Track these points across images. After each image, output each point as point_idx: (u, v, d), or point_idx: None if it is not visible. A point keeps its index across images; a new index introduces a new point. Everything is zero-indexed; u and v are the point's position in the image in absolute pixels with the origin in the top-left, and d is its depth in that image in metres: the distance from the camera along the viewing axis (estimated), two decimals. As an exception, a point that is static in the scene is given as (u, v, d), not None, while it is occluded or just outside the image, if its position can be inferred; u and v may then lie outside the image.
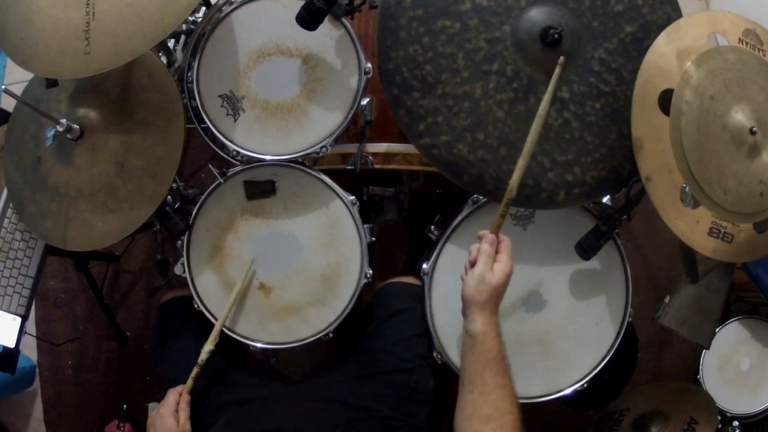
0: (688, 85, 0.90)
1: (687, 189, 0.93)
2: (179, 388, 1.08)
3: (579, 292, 1.15)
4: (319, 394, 1.17)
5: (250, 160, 1.16)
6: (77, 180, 1.09)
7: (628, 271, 1.15)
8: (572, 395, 1.16)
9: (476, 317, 0.90)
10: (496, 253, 0.94)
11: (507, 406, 0.86)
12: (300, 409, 1.10)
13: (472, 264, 0.94)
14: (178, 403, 1.06)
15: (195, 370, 1.08)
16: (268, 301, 1.19)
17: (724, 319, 1.55)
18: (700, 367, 1.57)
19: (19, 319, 1.25)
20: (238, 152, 1.15)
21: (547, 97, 0.91)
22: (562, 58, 0.92)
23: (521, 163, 0.92)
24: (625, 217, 1.03)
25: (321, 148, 1.14)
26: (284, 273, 1.18)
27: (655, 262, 1.84)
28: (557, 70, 0.92)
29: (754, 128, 0.91)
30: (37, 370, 1.88)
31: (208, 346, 1.09)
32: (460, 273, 1.13)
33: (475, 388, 0.87)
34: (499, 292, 0.92)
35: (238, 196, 1.17)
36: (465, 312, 0.92)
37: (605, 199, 1.10)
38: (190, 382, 1.08)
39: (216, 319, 1.17)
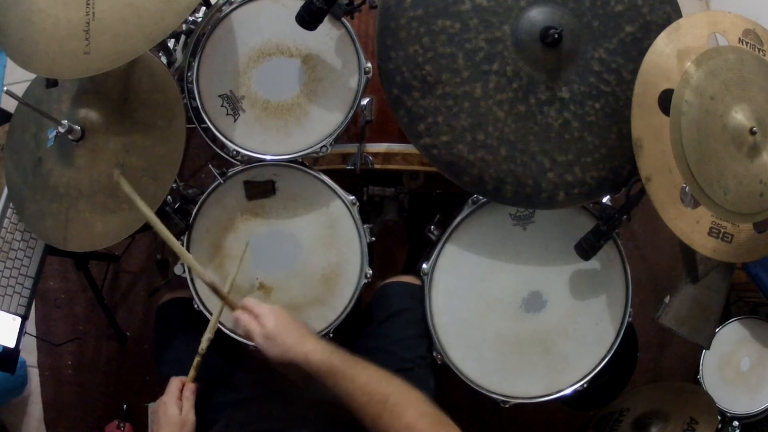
0: (688, 85, 0.90)
1: (687, 189, 0.93)
2: (182, 377, 1.07)
3: (579, 292, 1.15)
4: (319, 395, 1.17)
5: (250, 160, 1.16)
6: (77, 180, 1.09)
7: (628, 271, 1.15)
8: (572, 395, 1.16)
9: (298, 361, 0.91)
10: (252, 313, 0.98)
11: (390, 388, 0.87)
12: (300, 409, 1.10)
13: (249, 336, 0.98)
14: (181, 391, 1.05)
15: (196, 359, 1.07)
16: (268, 302, 1.18)
17: (724, 319, 1.55)
18: (700, 367, 1.57)
19: (19, 319, 1.25)
20: (238, 152, 1.15)
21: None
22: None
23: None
24: (625, 217, 1.03)
25: (321, 148, 1.14)
26: (284, 273, 1.18)
27: (655, 262, 1.84)
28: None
29: (754, 128, 0.91)
30: (37, 370, 1.88)
31: (208, 334, 1.08)
32: (460, 273, 1.14)
33: (359, 403, 0.87)
34: (287, 330, 0.94)
35: (238, 196, 1.17)
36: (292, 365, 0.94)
37: (605, 199, 1.10)
38: (192, 372, 1.07)
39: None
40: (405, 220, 1.63)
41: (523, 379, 1.15)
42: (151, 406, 1.62)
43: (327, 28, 1.09)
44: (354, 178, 1.28)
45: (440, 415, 0.83)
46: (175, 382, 1.05)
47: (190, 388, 1.05)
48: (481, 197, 1.11)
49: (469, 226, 1.13)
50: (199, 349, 1.07)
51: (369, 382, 0.88)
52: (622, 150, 1.01)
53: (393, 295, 1.22)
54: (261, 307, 0.98)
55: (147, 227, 1.03)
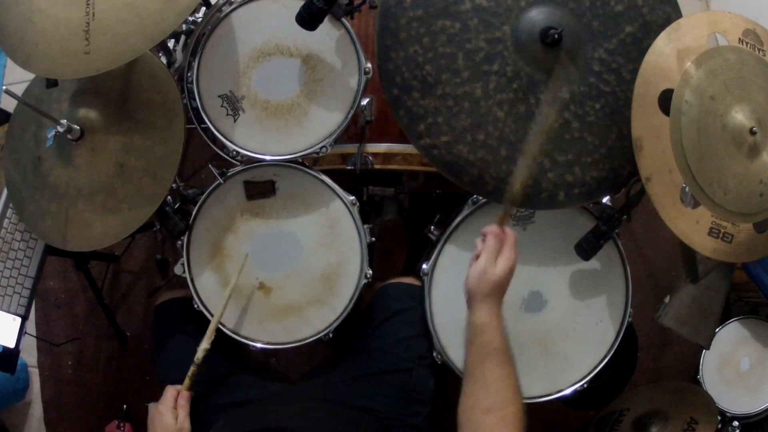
0: (688, 85, 0.90)
1: (687, 189, 0.93)
2: (177, 386, 1.08)
3: (579, 292, 1.15)
4: (319, 394, 1.17)
5: (250, 160, 1.16)
6: (77, 180, 1.09)
7: (628, 271, 1.15)
8: (572, 395, 1.16)
9: (478, 308, 0.90)
10: (501, 246, 0.94)
11: (509, 397, 0.86)
12: (300, 409, 1.10)
13: (477, 258, 0.94)
14: (176, 400, 1.06)
15: (192, 369, 1.07)
16: (268, 301, 1.19)
17: (724, 319, 1.55)
18: (700, 367, 1.57)
19: (19, 319, 1.25)
20: (238, 152, 1.15)
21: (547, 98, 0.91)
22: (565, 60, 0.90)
23: (521, 161, 0.93)
24: (625, 217, 1.03)
25: (321, 148, 1.14)
26: (284, 273, 1.18)
27: (655, 262, 1.83)
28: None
29: (754, 128, 0.91)
30: (37, 370, 1.88)
31: (204, 344, 1.08)
32: (460, 273, 1.14)
33: (477, 379, 0.87)
34: (501, 286, 0.92)
35: (238, 196, 1.17)
36: (468, 303, 0.93)
37: (605, 199, 1.10)
38: (187, 381, 1.08)
39: (216, 319, 1.17)
40: (405, 220, 1.64)
41: (523, 379, 1.14)
42: (152, 406, 1.62)
43: (327, 28, 1.09)
44: (354, 178, 1.28)
45: None
46: (170, 391, 1.06)
47: (184, 397, 1.06)
48: (481, 197, 1.11)
49: (469, 226, 1.13)
50: (195, 359, 1.07)
51: (504, 378, 0.87)
52: (622, 150, 1.01)
53: (393, 295, 1.22)
54: (511, 252, 0.94)
55: (147, 227, 1.03)
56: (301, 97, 1.14)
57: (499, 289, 0.92)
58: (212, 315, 1.17)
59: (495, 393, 0.85)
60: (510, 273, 0.93)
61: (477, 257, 0.94)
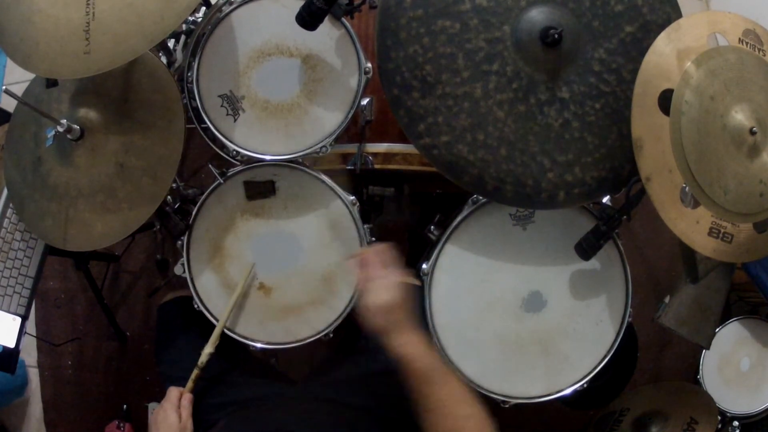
0: (688, 85, 0.90)
1: (687, 189, 0.93)
2: (180, 387, 1.08)
3: (579, 292, 1.15)
4: (320, 394, 1.17)
5: (250, 160, 1.16)
6: (77, 180, 1.09)
7: (628, 271, 1.15)
8: (572, 395, 1.16)
9: (391, 343, 0.88)
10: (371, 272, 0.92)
11: (464, 411, 0.84)
12: (300, 410, 1.10)
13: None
14: (180, 400, 1.06)
15: (195, 372, 1.08)
16: (268, 302, 1.19)
17: (724, 319, 1.55)
18: (700, 367, 1.57)
19: (19, 319, 1.25)
20: (238, 152, 1.15)
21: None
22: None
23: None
24: (625, 217, 1.03)
25: (321, 148, 1.14)
26: (284, 273, 1.18)
27: (655, 262, 1.84)
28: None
29: (754, 128, 0.91)
30: (37, 370, 1.88)
31: (208, 349, 1.09)
32: (460, 273, 1.14)
33: (428, 408, 0.86)
34: (393, 308, 0.89)
35: (238, 196, 1.17)
36: (384, 341, 0.90)
37: (605, 199, 1.10)
38: (190, 383, 1.08)
39: (216, 319, 1.17)
40: (405, 220, 1.63)
41: (523, 379, 1.15)
42: (152, 405, 1.62)
43: (327, 28, 1.09)
44: (354, 178, 1.28)
45: None
46: (174, 392, 1.06)
47: (187, 398, 1.06)
48: (481, 197, 1.11)
49: (469, 226, 1.13)
50: (198, 363, 1.07)
51: (451, 394, 0.86)
52: (622, 150, 1.01)
53: (393, 295, 1.22)
54: (382, 272, 0.92)
55: (147, 227, 1.03)
56: (301, 97, 1.14)
57: (394, 312, 0.89)
58: (212, 315, 1.17)
59: (447, 416, 0.84)
60: (392, 292, 0.90)
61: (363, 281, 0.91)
